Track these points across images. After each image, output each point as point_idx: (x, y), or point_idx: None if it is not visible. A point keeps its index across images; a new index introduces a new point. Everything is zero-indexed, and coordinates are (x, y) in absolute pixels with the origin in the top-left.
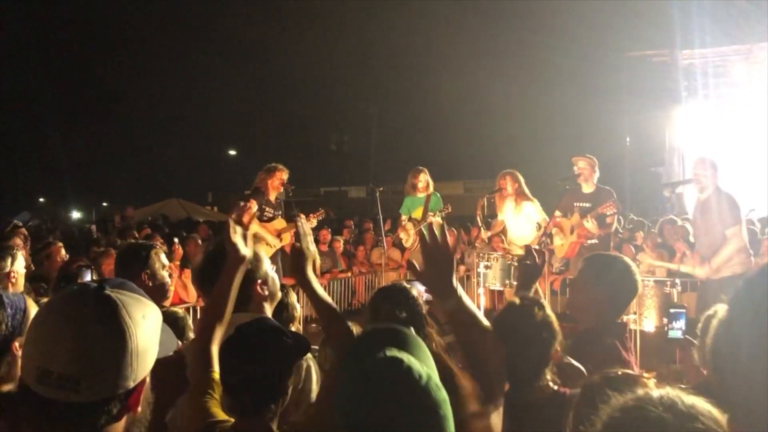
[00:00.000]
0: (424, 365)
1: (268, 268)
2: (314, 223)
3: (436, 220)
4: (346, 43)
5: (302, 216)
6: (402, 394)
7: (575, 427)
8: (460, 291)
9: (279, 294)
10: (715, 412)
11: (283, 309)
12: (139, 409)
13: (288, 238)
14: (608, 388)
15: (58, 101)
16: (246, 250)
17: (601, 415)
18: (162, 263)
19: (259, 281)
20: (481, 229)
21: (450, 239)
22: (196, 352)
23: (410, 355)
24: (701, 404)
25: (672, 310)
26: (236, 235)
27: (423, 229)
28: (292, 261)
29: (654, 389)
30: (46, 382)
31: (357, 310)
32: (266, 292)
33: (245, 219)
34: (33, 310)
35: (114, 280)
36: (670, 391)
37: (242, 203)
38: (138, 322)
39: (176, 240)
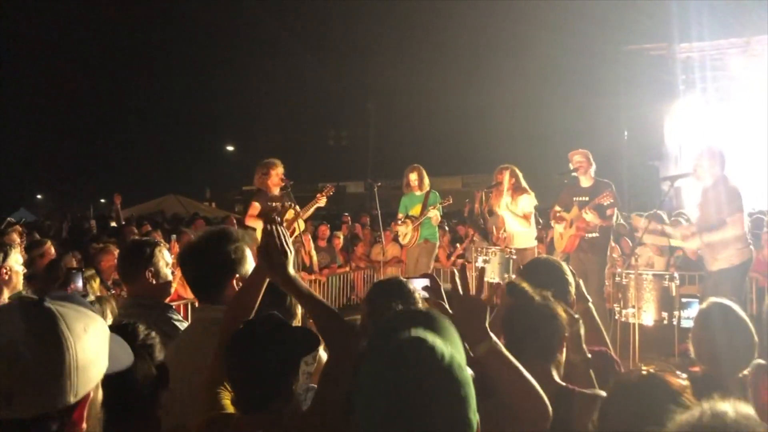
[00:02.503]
0: (449, 345)
1: (249, 265)
2: (323, 201)
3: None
4: (344, 39)
5: (277, 218)
6: (423, 374)
7: (603, 423)
8: (494, 337)
9: None
10: None
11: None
12: (85, 425)
13: (302, 226)
14: (645, 387)
15: (55, 98)
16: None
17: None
18: (166, 261)
19: (238, 277)
20: (486, 222)
21: (484, 293)
22: (218, 346)
23: (436, 335)
24: None
25: (684, 299)
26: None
27: (456, 275)
28: (267, 261)
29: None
30: None
31: (356, 305)
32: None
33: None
34: None
35: (59, 293)
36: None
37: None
38: (78, 335)
39: (174, 237)
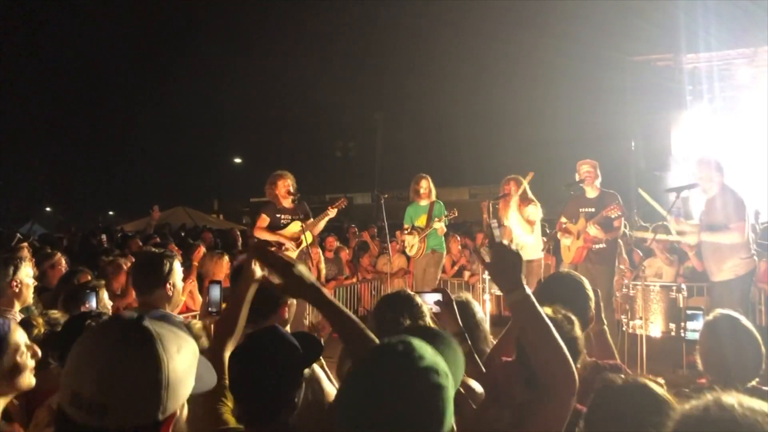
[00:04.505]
0: (442, 359)
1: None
2: (333, 213)
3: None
4: (352, 50)
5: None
6: (397, 374)
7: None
8: (528, 289)
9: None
10: None
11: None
12: None
13: (309, 238)
14: (628, 393)
15: (64, 110)
16: (260, 273)
17: (674, 416)
18: (180, 273)
19: (288, 304)
20: (487, 232)
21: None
22: (209, 361)
23: (435, 348)
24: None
25: (689, 311)
26: (255, 262)
27: (491, 226)
28: (280, 286)
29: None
30: (76, 405)
31: (362, 317)
32: (286, 316)
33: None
34: (18, 335)
35: (156, 313)
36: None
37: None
38: (172, 355)
39: (201, 247)
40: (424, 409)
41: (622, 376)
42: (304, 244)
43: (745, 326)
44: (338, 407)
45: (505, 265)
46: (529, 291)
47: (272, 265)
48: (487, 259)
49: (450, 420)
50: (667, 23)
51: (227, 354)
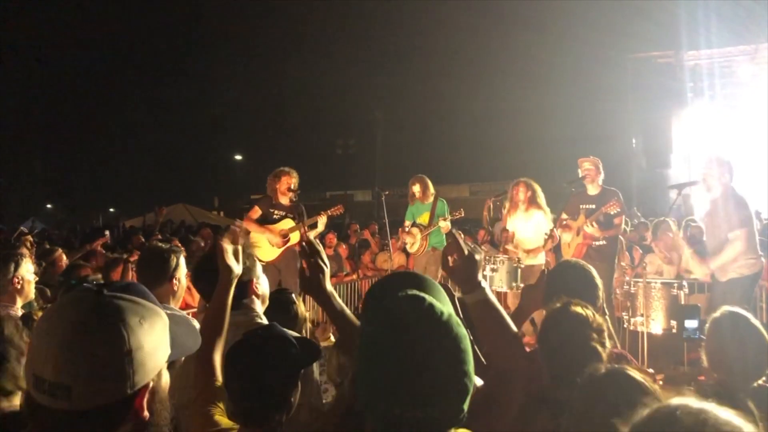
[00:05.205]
0: (444, 303)
1: (259, 270)
2: (324, 219)
3: (458, 233)
4: (352, 47)
5: (309, 233)
6: (425, 329)
7: (570, 420)
8: (487, 289)
9: (267, 296)
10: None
11: (292, 318)
12: (146, 414)
13: (296, 238)
14: (609, 382)
15: (65, 107)
16: (238, 268)
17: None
18: (185, 269)
19: (254, 280)
20: (488, 229)
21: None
22: (198, 362)
23: (428, 294)
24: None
25: (686, 309)
26: (229, 256)
27: (453, 234)
28: (304, 279)
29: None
30: (39, 389)
31: None
32: (260, 291)
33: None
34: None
35: (118, 284)
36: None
37: (235, 226)
38: (133, 327)
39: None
40: (455, 363)
41: (606, 365)
42: (291, 243)
43: (752, 324)
44: (363, 372)
45: (466, 268)
46: (485, 285)
47: (309, 261)
48: (450, 264)
49: (472, 366)
50: (667, 21)
51: (217, 355)
